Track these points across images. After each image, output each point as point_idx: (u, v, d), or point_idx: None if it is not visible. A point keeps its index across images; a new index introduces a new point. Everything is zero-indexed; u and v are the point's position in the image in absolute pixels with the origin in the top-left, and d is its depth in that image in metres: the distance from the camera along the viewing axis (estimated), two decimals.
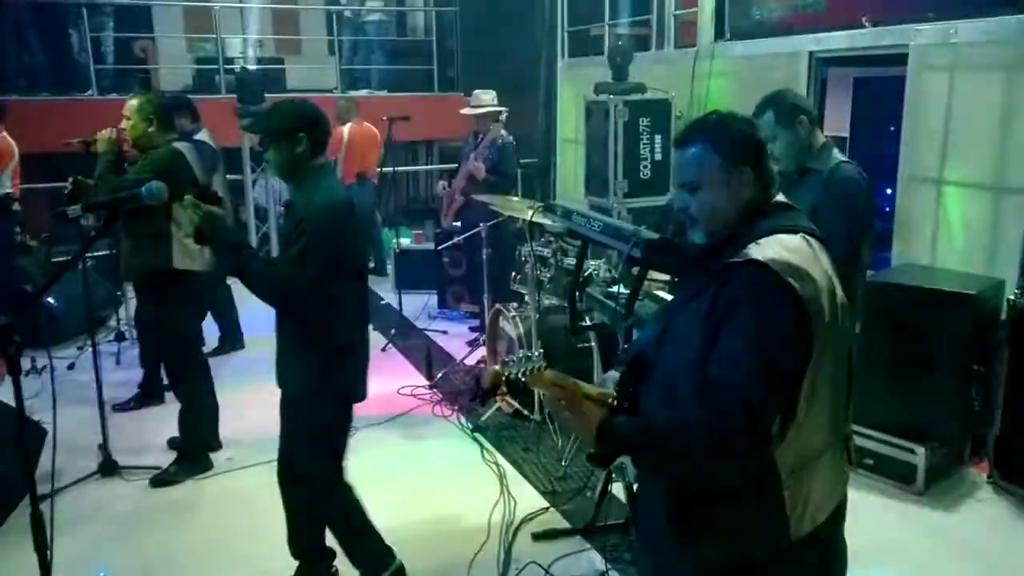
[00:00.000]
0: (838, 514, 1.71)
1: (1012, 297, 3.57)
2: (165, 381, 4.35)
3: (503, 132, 5.60)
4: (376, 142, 7.10)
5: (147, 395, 4.69)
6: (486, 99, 5.75)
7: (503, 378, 1.62)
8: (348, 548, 2.90)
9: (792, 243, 1.59)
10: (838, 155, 2.93)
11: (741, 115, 1.73)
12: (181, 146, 3.75)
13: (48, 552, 2.11)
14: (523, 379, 1.62)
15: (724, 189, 1.63)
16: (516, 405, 4.42)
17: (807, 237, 1.63)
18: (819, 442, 1.61)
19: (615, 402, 1.74)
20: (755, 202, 1.65)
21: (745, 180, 1.63)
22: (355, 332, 2.74)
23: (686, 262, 1.76)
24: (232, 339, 5.63)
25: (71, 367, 5.25)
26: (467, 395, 4.63)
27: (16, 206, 5.81)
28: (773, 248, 1.55)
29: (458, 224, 5.87)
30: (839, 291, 1.63)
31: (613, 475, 2.78)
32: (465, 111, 5.85)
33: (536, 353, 1.64)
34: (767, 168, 1.68)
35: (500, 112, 5.69)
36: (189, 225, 2.68)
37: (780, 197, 1.71)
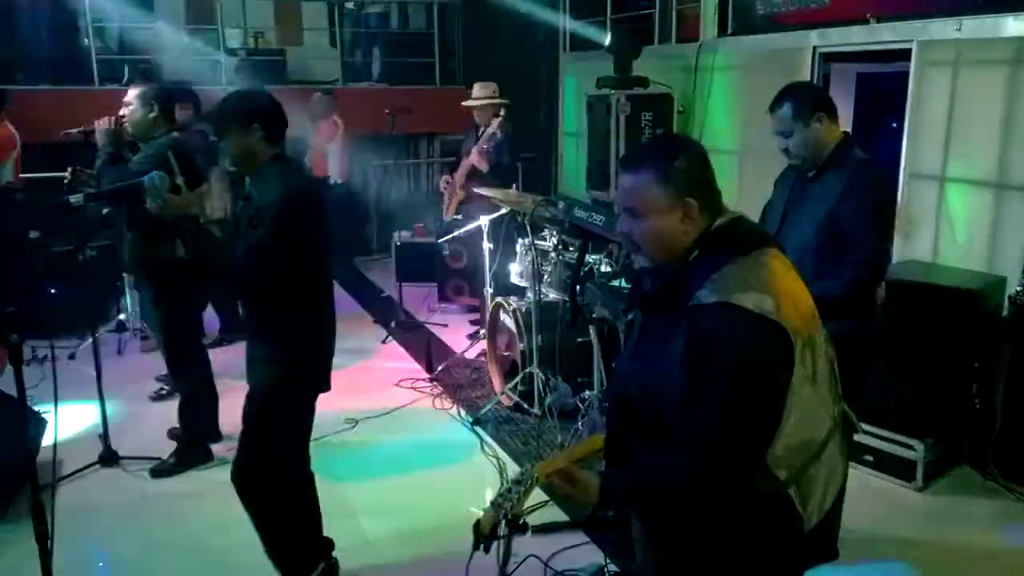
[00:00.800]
0: (840, 493, 1.75)
1: (1013, 294, 3.57)
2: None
3: (502, 125, 5.58)
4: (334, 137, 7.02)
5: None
6: (486, 92, 5.74)
7: (501, 520, 1.60)
8: (276, 543, 2.79)
9: (750, 265, 1.57)
10: (859, 153, 2.75)
11: (693, 141, 1.72)
12: (182, 136, 3.75)
13: (49, 542, 2.12)
14: (522, 513, 1.63)
15: (668, 219, 1.60)
16: (516, 399, 4.43)
17: (761, 253, 1.61)
18: (818, 437, 1.62)
19: (605, 451, 1.79)
20: (704, 228, 1.61)
21: (691, 211, 1.59)
22: (318, 322, 2.72)
23: (648, 300, 1.72)
24: (234, 330, 5.63)
25: (72, 357, 5.25)
26: (479, 391, 4.61)
27: (19, 196, 5.81)
28: (734, 278, 1.54)
29: (459, 217, 5.87)
30: (807, 294, 1.64)
31: None
32: (466, 103, 5.84)
33: (523, 472, 1.66)
34: (714, 194, 1.64)
35: (500, 106, 5.68)
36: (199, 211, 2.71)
37: (728, 213, 1.67)
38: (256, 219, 2.49)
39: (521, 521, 1.59)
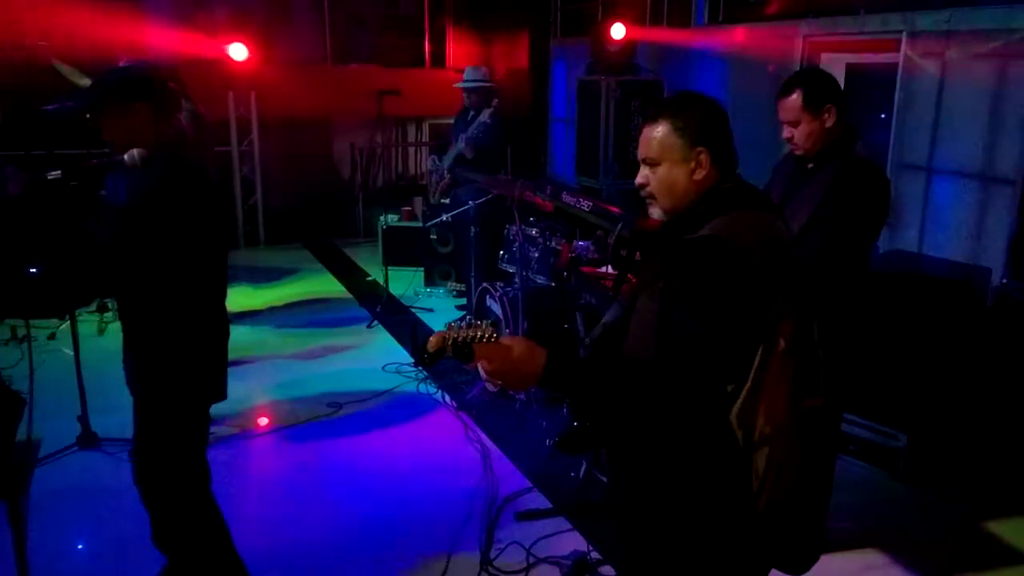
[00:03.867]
0: (818, 488, 1.75)
1: (997, 286, 3.59)
2: None
3: (493, 110, 5.54)
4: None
5: None
6: (477, 75, 5.70)
7: (449, 343, 1.58)
8: (175, 557, 2.63)
9: (748, 218, 1.65)
10: (860, 150, 2.70)
11: (711, 99, 1.76)
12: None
13: (23, 523, 2.09)
14: (469, 344, 1.59)
15: (681, 168, 1.70)
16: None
17: (764, 213, 1.69)
18: (781, 416, 1.63)
19: None
20: (713, 182, 1.71)
21: (701, 161, 1.69)
22: (205, 324, 2.47)
23: (648, 242, 1.81)
24: None
25: (51, 337, 5.19)
26: (464, 377, 4.61)
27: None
28: (730, 223, 1.62)
29: (447, 202, 5.83)
30: (796, 268, 1.67)
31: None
32: (457, 85, 5.79)
33: (485, 322, 1.63)
34: (727, 152, 1.73)
35: (493, 93, 5.62)
36: None
37: (739, 181, 1.74)
38: (128, 213, 2.25)
39: (466, 349, 1.56)
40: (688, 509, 1.67)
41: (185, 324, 2.39)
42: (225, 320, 2.55)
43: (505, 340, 1.62)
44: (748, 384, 1.58)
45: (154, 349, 2.40)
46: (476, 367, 1.62)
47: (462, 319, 1.65)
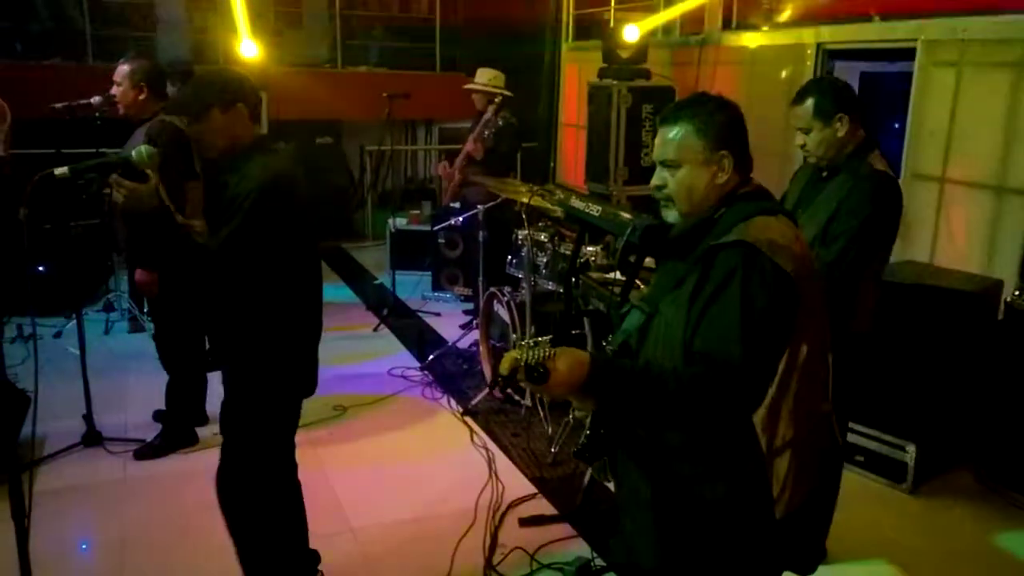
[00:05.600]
0: (827, 493, 1.75)
1: (1009, 298, 3.55)
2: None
3: (504, 113, 5.52)
4: None
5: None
6: (484, 78, 5.65)
7: (522, 364, 1.50)
8: (255, 559, 2.63)
9: (773, 224, 1.63)
10: (876, 161, 2.70)
11: (728, 100, 1.73)
12: (180, 121, 3.65)
13: (25, 520, 2.08)
14: (544, 364, 1.50)
15: (702, 171, 1.66)
16: (507, 389, 4.39)
17: (784, 219, 1.67)
18: (802, 421, 1.62)
19: None
20: (733, 186, 1.68)
21: (724, 165, 1.66)
22: (302, 321, 2.50)
23: (667, 245, 1.77)
24: None
25: (58, 335, 5.20)
26: (470, 382, 4.59)
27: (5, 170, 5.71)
28: (756, 229, 1.59)
29: (457, 205, 5.82)
30: (817, 274, 1.67)
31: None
32: (466, 86, 5.75)
33: (545, 339, 1.60)
34: (747, 154, 1.71)
35: (495, 94, 5.61)
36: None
37: (756, 183, 1.73)
38: (231, 211, 2.25)
39: (539, 371, 1.48)
40: (709, 514, 1.64)
41: (288, 317, 2.43)
42: (319, 311, 2.58)
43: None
44: (773, 390, 1.56)
45: (258, 342, 2.42)
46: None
47: (530, 338, 1.60)
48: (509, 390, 4.28)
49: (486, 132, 5.47)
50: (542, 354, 1.50)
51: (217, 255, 2.28)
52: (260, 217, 2.26)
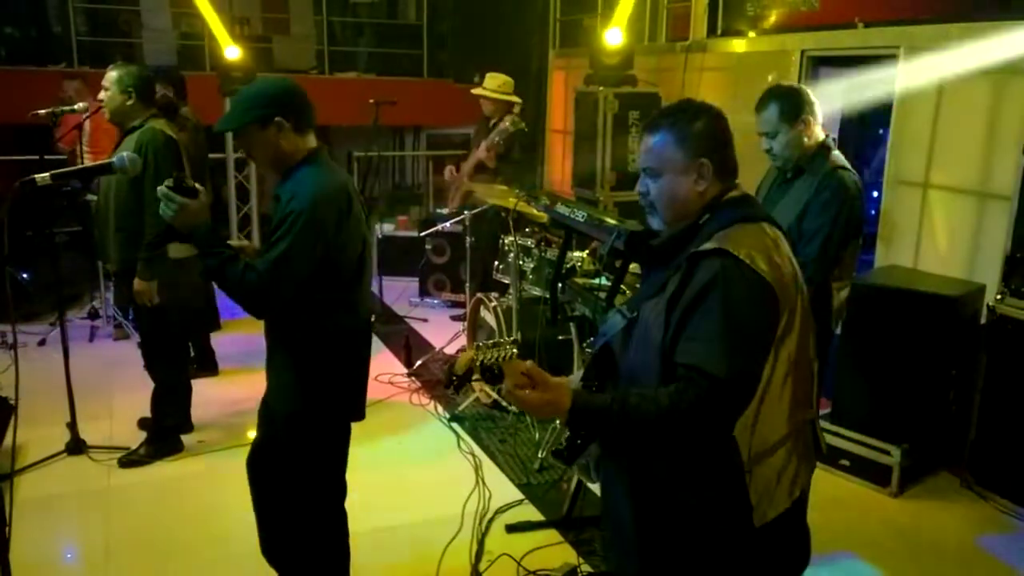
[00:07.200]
0: (802, 500, 1.73)
1: (992, 303, 3.58)
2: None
3: (513, 118, 5.43)
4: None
5: (201, 367, 4.66)
6: (495, 83, 5.53)
7: (478, 364, 1.56)
8: None
9: (754, 231, 1.63)
10: (837, 159, 2.84)
11: (712, 107, 1.73)
12: (169, 128, 3.63)
13: (7, 529, 2.06)
14: (499, 365, 1.56)
15: (682, 179, 1.66)
16: (496, 396, 4.38)
17: (766, 226, 1.67)
18: (781, 429, 1.63)
19: None
20: (716, 192, 1.68)
21: (704, 172, 1.66)
22: (351, 340, 2.44)
23: (651, 253, 1.78)
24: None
25: (42, 343, 5.16)
26: (441, 383, 4.59)
27: None
28: (737, 237, 1.59)
29: (466, 212, 5.77)
30: (801, 280, 1.67)
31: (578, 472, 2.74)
32: (476, 91, 5.62)
33: (508, 340, 1.61)
34: (729, 160, 1.71)
35: (512, 103, 5.55)
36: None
37: (741, 189, 1.74)
38: (281, 228, 2.19)
39: (496, 370, 1.53)
40: (688, 521, 1.65)
41: (337, 335, 2.37)
42: (369, 333, 2.51)
43: (523, 363, 1.59)
44: (755, 397, 1.56)
45: (308, 364, 2.35)
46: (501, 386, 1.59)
47: (488, 338, 1.63)
48: (498, 397, 4.28)
49: (497, 138, 5.38)
50: (500, 355, 1.54)
51: (264, 277, 2.19)
52: (309, 239, 2.19)
